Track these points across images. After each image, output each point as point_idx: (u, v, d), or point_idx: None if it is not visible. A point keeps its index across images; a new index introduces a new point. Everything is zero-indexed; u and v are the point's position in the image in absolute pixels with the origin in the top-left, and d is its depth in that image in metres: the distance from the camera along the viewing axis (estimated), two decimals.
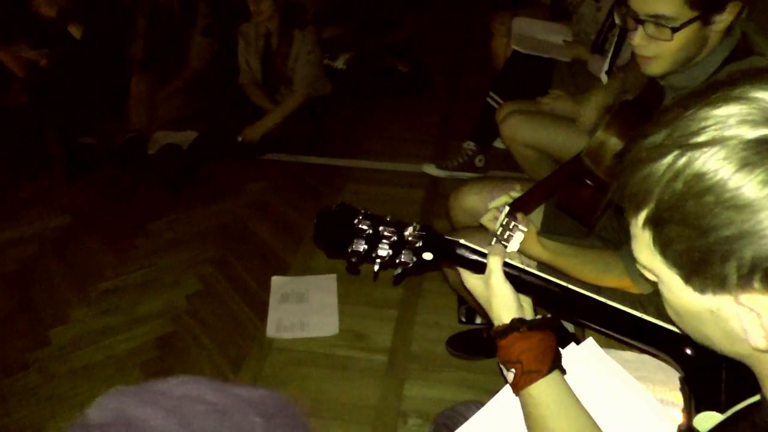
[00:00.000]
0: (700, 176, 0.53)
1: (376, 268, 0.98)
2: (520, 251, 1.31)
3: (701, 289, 0.58)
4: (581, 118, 2.05)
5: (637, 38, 1.25)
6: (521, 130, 2.14)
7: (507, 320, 0.89)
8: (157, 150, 3.12)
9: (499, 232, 1.27)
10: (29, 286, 2.45)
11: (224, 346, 2.11)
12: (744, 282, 0.54)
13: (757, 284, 0.53)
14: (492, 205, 1.33)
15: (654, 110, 1.42)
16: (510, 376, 0.89)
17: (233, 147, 3.19)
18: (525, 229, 1.27)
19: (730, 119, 0.54)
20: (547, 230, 1.53)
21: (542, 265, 1.47)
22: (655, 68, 1.28)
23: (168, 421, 0.52)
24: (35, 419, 1.90)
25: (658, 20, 1.19)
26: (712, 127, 0.54)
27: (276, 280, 2.36)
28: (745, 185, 0.51)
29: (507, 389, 1.00)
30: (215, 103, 3.48)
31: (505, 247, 1.28)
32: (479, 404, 1.06)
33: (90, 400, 1.82)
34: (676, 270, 0.59)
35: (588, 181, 1.46)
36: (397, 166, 3.12)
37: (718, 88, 0.57)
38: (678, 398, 1.02)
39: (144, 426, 0.51)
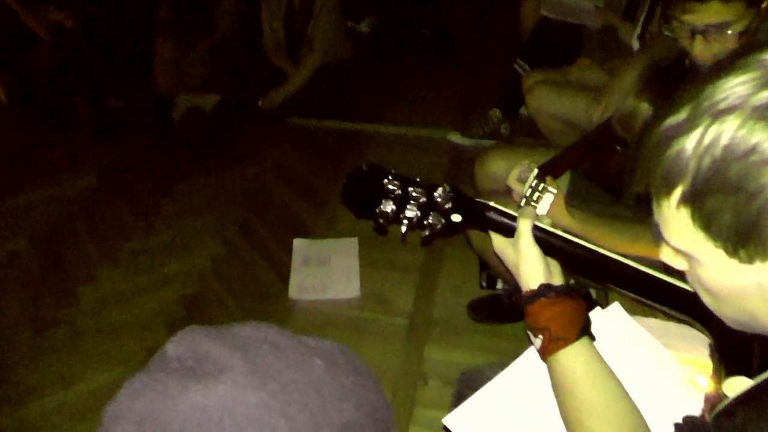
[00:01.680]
0: (738, 140, 0.52)
1: (404, 229, 0.98)
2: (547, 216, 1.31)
3: (749, 259, 0.56)
4: (604, 106, 1.99)
5: (699, 48, 1.23)
6: (548, 102, 2.10)
7: (535, 286, 0.88)
8: (181, 113, 3.13)
9: (528, 194, 1.26)
10: (58, 246, 2.50)
11: (247, 307, 2.15)
12: None
13: None
14: (522, 162, 1.32)
15: (687, 76, 1.39)
16: (537, 342, 0.88)
17: (256, 111, 3.19)
18: (554, 191, 1.26)
19: (754, 82, 0.53)
20: (574, 198, 1.52)
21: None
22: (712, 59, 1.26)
23: (233, 355, 0.55)
24: (65, 375, 1.95)
25: (720, 28, 1.17)
26: (738, 93, 0.53)
27: (298, 243, 2.38)
28: None
29: (531, 350, 1.00)
30: (240, 67, 3.47)
31: (535, 208, 1.27)
32: (504, 366, 1.07)
33: (118, 358, 1.87)
34: (722, 243, 0.57)
35: (618, 148, 1.44)
36: (420, 132, 3.09)
37: (736, 57, 0.56)
38: (701, 364, 1.02)
39: (211, 358, 0.55)
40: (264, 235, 2.49)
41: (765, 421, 0.57)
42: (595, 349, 0.88)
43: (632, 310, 1.15)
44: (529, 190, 1.26)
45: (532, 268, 0.89)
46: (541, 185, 1.25)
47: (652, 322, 1.20)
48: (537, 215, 0.95)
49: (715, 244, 0.58)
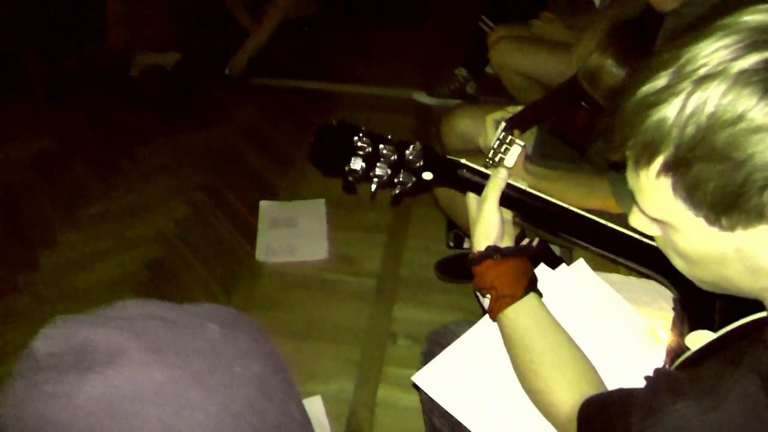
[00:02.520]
0: (724, 107, 0.52)
1: (374, 187, 0.97)
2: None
3: (731, 227, 0.56)
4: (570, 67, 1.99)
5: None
6: (511, 57, 2.09)
7: (482, 248, 0.90)
8: (139, 71, 3.03)
9: (495, 145, 1.26)
10: (16, 210, 2.43)
11: (215, 270, 2.13)
12: None
13: None
14: (489, 117, 1.32)
15: (652, 33, 1.39)
16: (486, 302, 0.90)
17: (219, 76, 3.11)
18: (522, 143, 1.26)
19: (735, 46, 0.52)
20: (539, 155, 1.52)
21: None
22: (669, 5, 1.25)
23: (120, 336, 0.50)
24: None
25: None
26: (720, 57, 0.52)
27: (264, 205, 2.35)
28: None
29: None
30: (200, 24, 3.35)
31: (502, 160, 1.27)
32: (472, 323, 1.08)
33: None
34: (704, 212, 0.57)
35: (584, 105, 1.45)
36: (387, 92, 3.06)
37: (715, 18, 0.55)
38: (664, 318, 1.05)
39: (97, 346, 0.49)
40: (230, 197, 2.45)
41: (726, 370, 0.59)
42: (542, 304, 0.90)
43: (597, 267, 1.18)
44: (497, 143, 1.26)
45: (485, 232, 0.90)
46: (509, 138, 1.26)
47: (615, 277, 1.22)
48: (509, 175, 0.95)
49: (695, 212, 0.58)
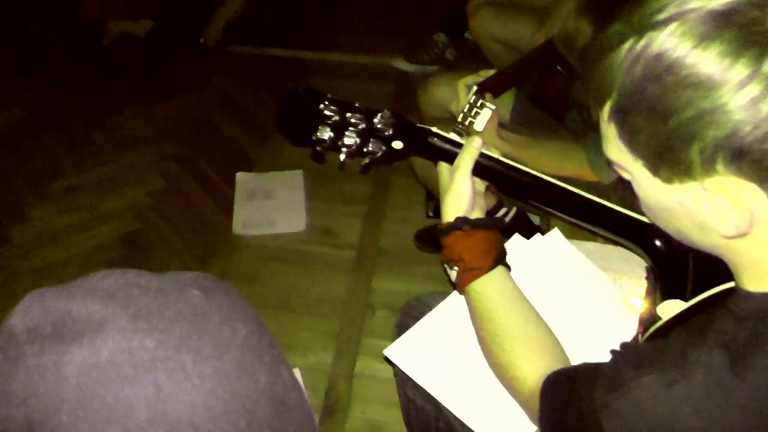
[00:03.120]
0: (658, 57, 0.51)
1: (342, 157, 0.94)
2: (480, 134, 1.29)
3: (668, 179, 0.56)
4: (548, 29, 1.94)
5: None
6: (490, 24, 2.04)
7: (451, 219, 0.88)
8: (111, 41, 2.94)
9: (465, 109, 1.24)
10: None
11: (191, 244, 2.09)
12: (708, 166, 0.52)
13: (720, 167, 0.52)
14: (461, 81, 1.29)
15: None
16: (453, 274, 0.89)
17: (195, 43, 3.02)
18: (493, 107, 1.24)
19: None
20: (516, 122, 1.50)
21: None
22: None
23: (105, 305, 0.48)
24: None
25: None
26: (672, 4, 0.51)
27: (241, 176, 2.31)
28: (703, 60, 0.49)
29: None
30: None
31: (472, 124, 1.25)
32: (445, 294, 1.07)
33: None
34: (643, 161, 0.57)
35: (559, 68, 1.42)
36: (366, 59, 2.99)
37: None
38: (639, 286, 1.04)
39: (76, 317, 0.47)
40: (205, 168, 2.40)
41: (693, 342, 0.58)
42: (510, 278, 0.89)
43: (572, 236, 1.16)
44: (467, 106, 1.24)
45: (456, 201, 0.88)
46: (480, 101, 1.23)
47: (592, 245, 1.21)
48: (482, 144, 0.92)
49: (638, 161, 0.57)
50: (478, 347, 0.94)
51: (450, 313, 1.01)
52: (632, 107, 0.54)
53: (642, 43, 0.52)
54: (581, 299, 1.05)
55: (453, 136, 0.92)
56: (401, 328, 1.08)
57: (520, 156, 1.34)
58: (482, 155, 0.91)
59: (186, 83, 2.86)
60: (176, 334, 0.48)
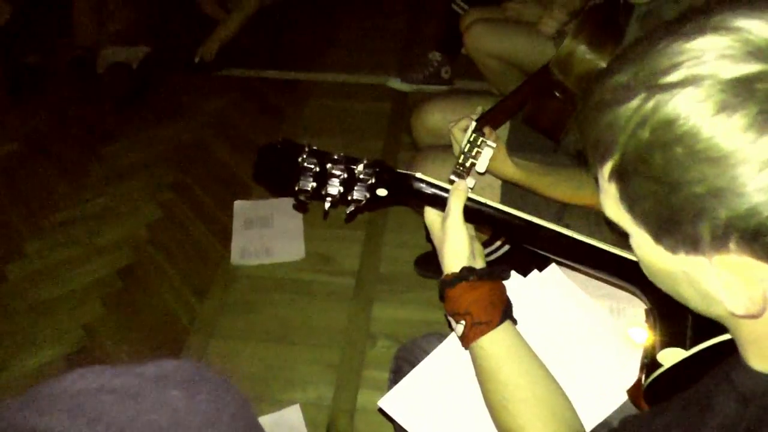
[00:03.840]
0: (669, 123, 0.46)
1: (327, 206, 0.92)
2: (489, 170, 1.25)
3: (672, 249, 0.52)
4: (542, 26, 1.93)
5: None
6: (485, 40, 2.01)
7: (456, 269, 0.84)
8: (105, 69, 2.93)
9: (466, 150, 1.20)
10: None
11: (188, 275, 2.06)
12: (719, 243, 0.47)
13: (733, 245, 0.47)
14: (455, 128, 1.25)
15: (626, 17, 1.33)
16: (459, 328, 0.85)
17: (188, 65, 3.01)
18: (494, 145, 1.20)
19: (706, 54, 0.45)
20: (514, 147, 1.46)
21: (508, 186, 1.42)
22: None
23: (74, 423, 0.44)
24: None
25: None
26: (686, 64, 0.46)
27: (239, 205, 2.29)
28: (722, 133, 0.44)
29: None
30: (167, 16, 3.25)
31: (474, 165, 1.21)
32: (441, 337, 1.03)
33: (52, 337, 1.77)
34: (645, 228, 0.53)
35: (556, 93, 1.39)
36: (361, 78, 2.96)
37: (694, 16, 0.48)
38: (640, 313, 1.01)
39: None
40: (202, 196, 2.38)
41: (698, 416, 0.55)
42: (518, 333, 0.85)
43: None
44: (467, 146, 1.20)
45: (455, 251, 0.84)
46: (480, 140, 1.19)
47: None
48: (469, 188, 0.90)
49: (639, 227, 0.54)
50: (477, 396, 0.91)
51: (446, 359, 0.98)
52: (636, 172, 0.49)
53: (651, 104, 0.47)
54: (581, 337, 1.01)
55: (437, 180, 0.89)
56: (396, 373, 1.05)
57: (535, 183, 1.31)
58: (470, 200, 0.88)
59: (180, 108, 2.85)
60: None
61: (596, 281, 1.13)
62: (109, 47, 3.06)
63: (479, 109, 1.28)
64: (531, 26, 2.01)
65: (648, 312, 0.89)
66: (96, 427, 0.44)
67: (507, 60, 2.07)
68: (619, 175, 0.52)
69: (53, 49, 3.10)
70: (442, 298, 0.87)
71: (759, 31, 0.45)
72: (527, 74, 1.84)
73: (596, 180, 0.57)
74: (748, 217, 0.45)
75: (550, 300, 1.04)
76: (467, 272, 0.83)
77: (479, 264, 0.87)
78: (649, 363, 0.84)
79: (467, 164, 1.21)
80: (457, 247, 0.84)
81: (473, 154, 1.22)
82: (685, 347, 0.78)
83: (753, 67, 0.44)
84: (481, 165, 1.23)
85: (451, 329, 0.89)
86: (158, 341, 1.86)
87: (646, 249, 0.56)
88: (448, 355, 0.97)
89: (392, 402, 0.95)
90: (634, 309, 1.09)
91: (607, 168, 0.53)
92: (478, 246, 0.89)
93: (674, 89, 0.46)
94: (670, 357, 0.79)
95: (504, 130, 1.59)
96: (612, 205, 0.56)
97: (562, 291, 1.06)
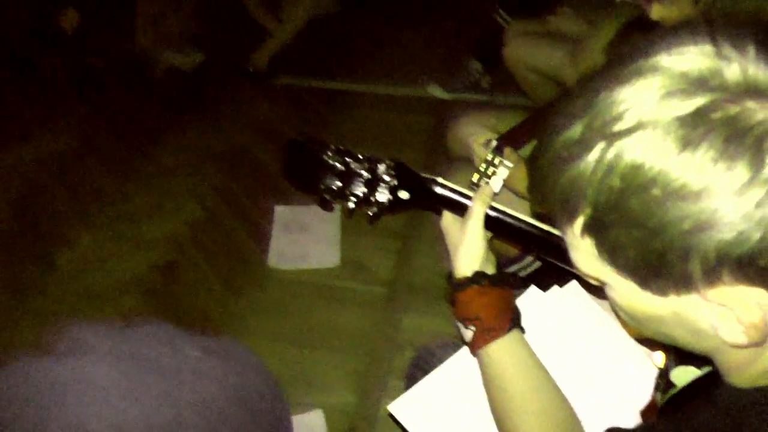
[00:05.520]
0: (637, 167, 0.45)
1: (351, 206, 0.93)
2: (506, 186, 1.24)
3: (662, 292, 0.50)
4: (579, 64, 1.89)
5: (657, 13, 1.16)
6: (525, 54, 2.01)
7: (469, 273, 0.84)
8: (161, 73, 3.05)
9: (482, 168, 1.19)
10: (35, 210, 2.46)
11: (225, 275, 2.11)
12: (711, 277, 0.46)
13: (726, 276, 0.46)
14: (476, 141, 1.25)
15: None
16: (468, 334, 0.84)
17: (240, 72, 3.11)
18: (511, 165, 1.19)
19: (652, 95, 0.45)
20: None
21: None
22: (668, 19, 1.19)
23: (103, 341, 0.56)
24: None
25: None
26: (635, 108, 0.45)
27: (279, 210, 2.33)
28: (693, 170, 0.43)
29: None
30: (222, 25, 3.36)
31: (487, 184, 1.20)
32: (457, 346, 1.03)
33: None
34: (630, 276, 0.51)
35: None
36: (404, 89, 2.99)
37: (627, 61, 0.48)
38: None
39: (82, 344, 0.55)
40: (244, 200, 2.43)
41: (711, 411, 0.55)
42: (525, 342, 0.84)
43: None
44: (484, 165, 1.19)
45: (469, 255, 0.84)
46: (498, 159, 1.19)
47: None
48: (493, 195, 0.90)
49: (623, 276, 0.52)
50: (487, 408, 0.90)
51: (461, 368, 0.97)
52: (613, 223, 0.48)
53: (613, 152, 0.46)
54: (596, 355, 0.99)
55: (457, 186, 0.89)
56: (410, 379, 1.05)
57: None
58: (492, 208, 0.88)
59: (229, 113, 2.93)
60: (130, 375, 0.54)
61: None
62: (166, 52, 3.20)
63: (501, 127, 1.27)
64: (571, 41, 1.99)
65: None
66: (110, 348, 0.55)
67: (546, 74, 2.06)
68: (593, 228, 0.51)
69: (114, 53, 3.24)
70: (452, 301, 0.87)
71: (695, 64, 0.45)
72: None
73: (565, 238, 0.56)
74: (738, 245, 0.44)
75: (568, 316, 1.03)
76: (479, 277, 0.83)
77: (490, 272, 0.86)
78: (664, 383, 0.82)
79: (481, 184, 1.19)
80: (473, 250, 0.84)
81: (489, 173, 1.20)
82: (698, 366, 0.76)
83: (702, 99, 0.44)
84: (496, 185, 1.20)
85: (461, 335, 0.89)
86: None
87: (630, 297, 0.54)
88: (462, 365, 0.97)
89: (402, 408, 0.95)
90: None
91: (577, 224, 0.52)
92: (490, 255, 0.88)
93: (632, 133, 0.45)
94: (684, 376, 0.77)
95: (528, 149, 1.58)
96: (588, 260, 0.54)
97: (582, 308, 1.04)
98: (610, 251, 0.50)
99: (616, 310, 0.60)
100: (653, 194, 0.45)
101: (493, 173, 1.19)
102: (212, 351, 0.61)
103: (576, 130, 0.48)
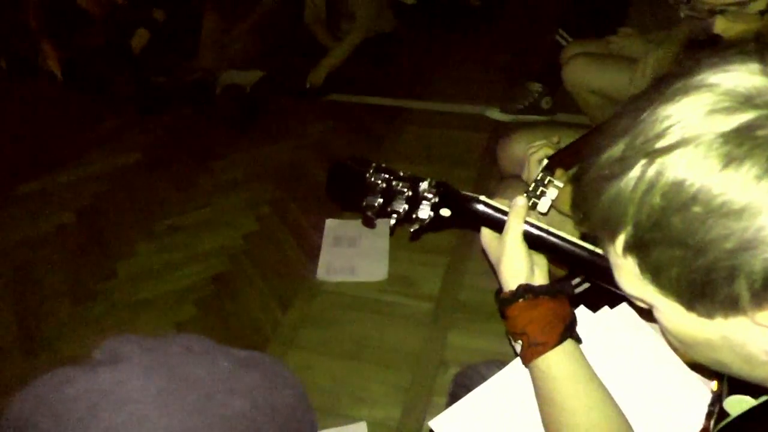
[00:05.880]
0: (678, 184, 0.45)
1: (392, 222, 0.94)
2: (554, 207, 1.23)
3: (708, 315, 0.49)
4: (638, 81, 1.85)
5: (721, 26, 1.14)
6: (585, 75, 1.98)
7: (514, 287, 0.83)
8: (222, 89, 3.15)
9: (531, 188, 1.18)
10: (100, 221, 2.58)
11: (275, 286, 2.16)
12: (759, 298, 0.45)
13: None
14: (533, 156, 1.24)
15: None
16: (518, 347, 0.83)
17: (297, 89, 3.18)
18: (560, 185, 1.17)
19: (696, 112, 0.45)
20: None
21: None
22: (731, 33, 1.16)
23: (135, 350, 0.58)
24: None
25: (739, 6, 1.07)
26: (678, 125, 0.45)
27: (330, 223, 2.37)
28: (735, 187, 0.42)
29: None
30: (282, 43, 3.46)
31: (535, 205, 1.19)
32: (501, 364, 1.02)
33: (148, 332, 1.90)
34: (675, 297, 0.50)
35: None
36: (462, 108, 3.00)
37: (672, 80, 0.48)
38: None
39: (117, 353, 0.57)
40: (296, 213, 2.48)
41: None
42: (579, 353, 0.82)
43: None
44: (533, 185, 1.18)
45: (514, 267, 0.83)
46: (547, 179, 1.17)
47: None
48: (531, 210, 0.89)
49: (668, 297, 0.51)
50: (529, 426, 0.89)
51: (503, 386, 0.96)
52: (655, 241, 0.47)
53: (653, 169, 0.46)
54: (646, 380, 0.96)
55: (499, 204, 0.89)
56: (453, 397, 1.04)
57: None
58: (535, 227, 0.87)
59: (285, 129, 3.01)
60: (162, 385, 0.55)
61: None
62: (228, 71, 3.31)
63: (555, 139, 1.26)
64: (632, 62, 1.95)
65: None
66: (142, 359, 0.57)
67: (606, 95, 2.02)
68: (635, 247, 0.50)
69: (179, 71, 3.38)
70: (503, 315, 0.86)
71: (741, 81, 0.44)
72: None
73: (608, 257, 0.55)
74: None
75: (618, 338, 1.00)
76: (524, 290, 0.82)
77: (539, 281, 0.85)
78: (717, 411, 0.79)
79: (530, 204, 1.18)
80: (515, 264, 0.84)
81: (537, 193, 1.19)
82: (754, 396, 0.73)
83: (748, 115, 0.43)
84: (543, 206, 1.18)
85: (512, 347, 0.88)
86: (240, 346, 1.93)
87: (677, 320, 0.53)
88: (505, 384, 0.96)
89: (444, 424, 0.95)
90: None
91: (619, 243, 0.51)
92: (541, 261, 0.87)
93: (673, 150, 0.45)
94: (738, 406, 0.74)
95: None
96: (631, 280, 0.53)
97: (633, 330, 1.01)
98: (653, 271, 0.50)
99: (665, 334, 0.59)
100: (694, 212, 0.44)
101: (542, 193, 1.17)
102: (245, 364, 0.62)
103: (618, 148, 0.49)
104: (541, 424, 0.86)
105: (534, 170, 1.26)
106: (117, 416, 0.52)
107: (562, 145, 1.34)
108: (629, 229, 0.49)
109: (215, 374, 0.59)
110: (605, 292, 1.11)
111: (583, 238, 0.91)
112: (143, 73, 3.32)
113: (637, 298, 0.55)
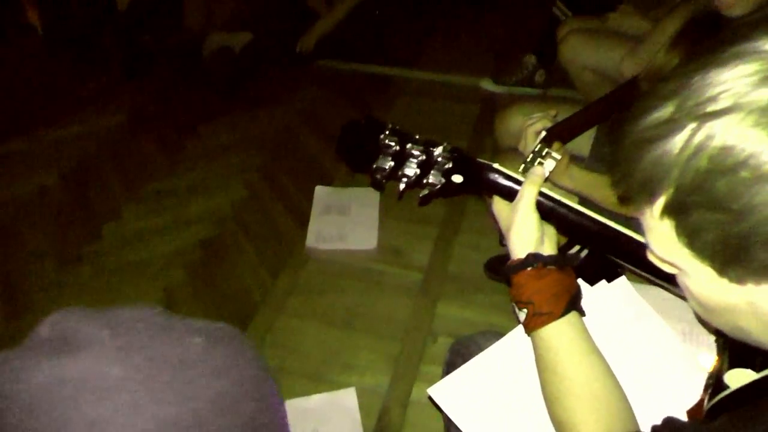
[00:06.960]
0: (727, 149, 0.45)
1: (402, 186, 0.93)
2: (549, 180, 1.23)
3: (739, 280, 0.50)
4: (623, 67, 1.84)
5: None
6: (581, 52, 1.97)
7: (522, 255, 0.83)
8: (210, 53, 3.08)
9: (529, 159, 1.18)
10: (85, 183, 2.54)
11: (264, 253, 2.14)
12: None
13: None
14: (531, 127, 1.24)
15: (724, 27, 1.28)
16: (522, 315, 0.84)
17: (287, 54, 3.12)
18: (558, 158, 1.18)
19: (750, 78, 0.44)
20: (595, 158, 1.43)
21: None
22: (737, 10, 1.15)
23: (100, 331, 0.53)
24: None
25: None
26: (731, 91, 0.45)
27: (319, 190, 2.35)
28: None
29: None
30: (272, 6, 3.38)
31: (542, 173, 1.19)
32: (498, 335, 1.03)
33: (135, 296, 1.89)
34: (708, 262, 0.51)
35: None
36: (454, 78, 2.98)
37: (726, 45, 0.47)
38: (710, 338, 0.97)
39: (78, 335, 0.52)
40: (285, 180, 2.47)
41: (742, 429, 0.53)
42: (582, 326, 0.83)
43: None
44: (531, 155, 1.18)
45: (524, 235, 0.83)
46: (545, 151, 1.17)
47: (666, 293, 1.14)
48: (543, 177, 0.89)
49: (701, 261, 0.52)
50: (529, 396, 0.90)
51: (500, 356, 0.97)
52: (696, 204, 0.48)
53: (703, 132, 0.46)
54: (644, 355, 0.98)
55: (513, 173, 0.88)
56: (450, 366, 1.05)
57: (592, 195, 1.28)
58: (543, 195, 0.87)
59: (274, 95, 2.96)
60: (145, 372, 0.51)
61: (672, 302, 1.09)
62: (215, 33, 3.23)
63: (553, 113, 1.26)
64: (629, 39, 1.95)
65: (716, 332, 0.85)
66: (113, 341, 0.53)
67: (601, 73, 2.02)
68: (674, 209, 0.50)
69: (164, 32, 3.29)
70: (509, 282, 0.86)
71: None
72: None
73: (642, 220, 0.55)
74: None
75: (614, 313, 1.02)
76: (533, 258, 0.82)
77: (548, 251, 0.85)
78: (715, 384, 0.80)
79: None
80: (525, 232, 0.84)
81: (535, 164, 1.19)
82: (756, 369, 0.74)
83: None
84: None
85: (515, 314, 0.88)
86: (229, 311, 1.94)
87: (705, 284, 0.54)
88: (504, 353, 0.97)
89: (442, 392, 0.96)
90: (708, 337, 1.04)
91: (658, 205, 0.52)
92: (550, 231, 0.87)
93: (724, 116, 0.45)
94: (738, 378, 0.76)
95: (587, 141, 1.55)
96: (665, 243, 0.54)
97: (629, 305, 1.03)
98: (690, 234, 0.50)
99: (687, 299, 0.60)
100: (742, 176, 0.44)
101: (539, 164, 1.18)
102: (214, 339, 0.60)
103: (666, 110, 0.48)
104: (538, 393, 0.87)
105: (531, 142, 1.26)
106: (103, 406, 0.50)
107: (560, 119, 1.34)
108: (671, 191, 0.49)
109: (191, 354, 0.57)
110: (602, 266, 1.12)
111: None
112: (128, 31, 3.23)
113: (667, 262, 0.56)
